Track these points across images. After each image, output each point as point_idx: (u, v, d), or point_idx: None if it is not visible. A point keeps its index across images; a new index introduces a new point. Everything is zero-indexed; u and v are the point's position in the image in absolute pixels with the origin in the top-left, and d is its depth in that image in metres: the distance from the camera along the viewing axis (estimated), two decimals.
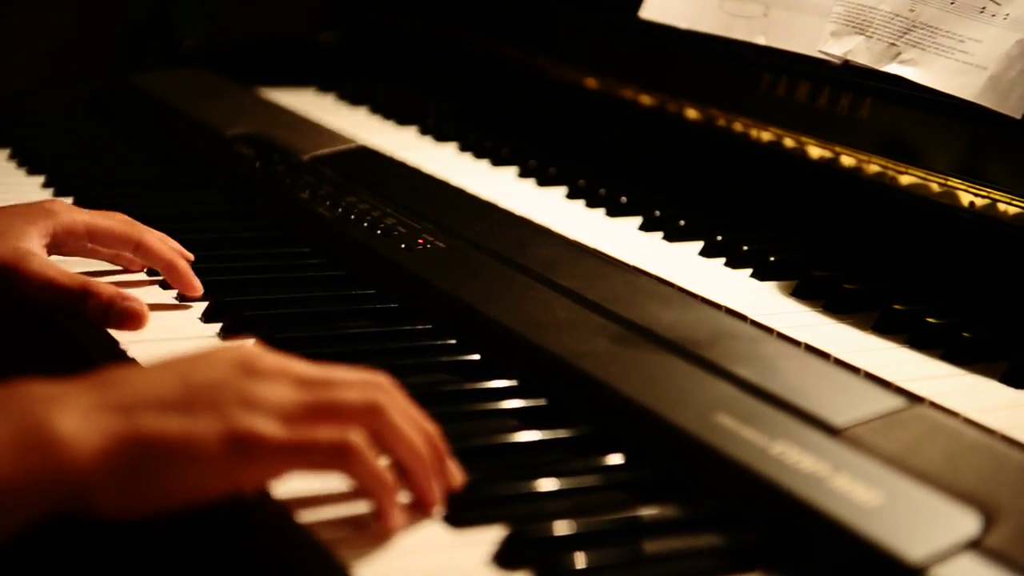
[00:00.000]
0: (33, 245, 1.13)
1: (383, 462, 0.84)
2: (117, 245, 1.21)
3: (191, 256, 1.21)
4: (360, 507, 0.84)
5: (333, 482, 0.86)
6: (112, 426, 0.78)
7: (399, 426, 0.84)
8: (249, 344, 0.88)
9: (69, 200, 1.48)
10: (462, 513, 0.84)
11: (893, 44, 1.31)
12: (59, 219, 1.17)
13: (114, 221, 1.21)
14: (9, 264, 1.10)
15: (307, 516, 0.83)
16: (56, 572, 1.11)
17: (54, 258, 1.16)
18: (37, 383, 0.80)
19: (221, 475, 0.80)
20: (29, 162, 1.63)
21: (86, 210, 1.21)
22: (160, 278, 1.22)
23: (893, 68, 1.30)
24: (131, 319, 1.09)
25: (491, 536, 0.82)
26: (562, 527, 0.81)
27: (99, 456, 0.77)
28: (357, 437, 0.82)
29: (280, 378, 0.83)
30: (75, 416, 0.78)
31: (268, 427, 0.80)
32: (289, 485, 0.86)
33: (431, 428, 0.86)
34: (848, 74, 1.35)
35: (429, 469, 0.84)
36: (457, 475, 0.86)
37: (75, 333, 1.10)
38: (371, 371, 0.87)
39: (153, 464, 0.79)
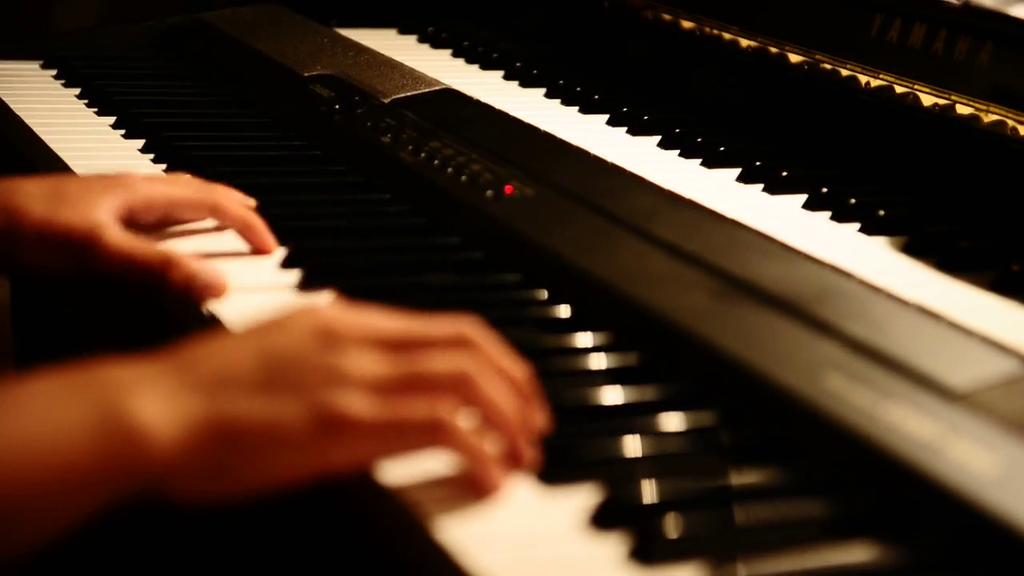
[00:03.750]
0: (108, 217, 1.12)
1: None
2: (193, 213, 1.21)
3: (254, 203, 1.21)
4: (445, 465, 0.84)
5: None
6: (194, 411, 0.79)
7: (487, 395, 0.83)
8: (326, 306, 0.88)
9: (139, 143, 1.49)
10: (553, 474, 0.83)
11: None
12: (136, 193, 1.16)
13: (189, 189, 1.20)
14: (82, 235, 1.10)
15: (390, 475, 0.83)
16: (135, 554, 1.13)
17: None
18: (114, 365, 0.80)
19: (309, 458, 0.80)
20: (99, 103, 1.64)
21: (160, 178, 1.20)
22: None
23: (1020, 10, 1.27)
24: (212, 289, 1.09)
25: (583, 497, 0.81)
26: (658, 491, 0.80)
27: (181, 443, 0.78)
28: (448, 411, 0.81)
29: (363, 345, 0.83)
30: (156, 401, 0.78)
31: (357, 406, 0.80)
32: None
33: (520, 374, 0.86)
34: (967, 16, 1.32)
35: (519, 431, 0.84)
36: (541, 419, 0.86)
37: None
38: (457, 318, 0.87)
39: (237, 450, 0.79)
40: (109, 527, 0.83)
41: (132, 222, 1.16)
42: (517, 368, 0.87)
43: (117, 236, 1.11)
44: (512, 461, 0.84)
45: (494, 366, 0.85)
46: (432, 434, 0.81)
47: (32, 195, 1.12)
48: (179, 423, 0.78)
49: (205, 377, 0.80)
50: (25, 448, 0.75)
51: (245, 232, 1.18)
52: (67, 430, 0.76)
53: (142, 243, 1.11)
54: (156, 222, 1.19)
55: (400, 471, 0.83)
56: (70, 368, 0.80)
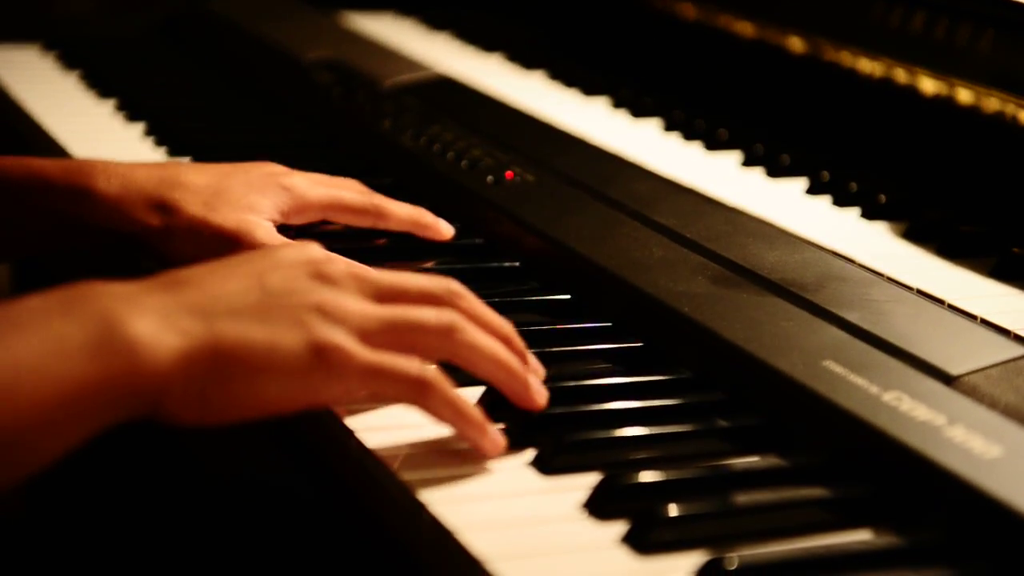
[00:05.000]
0: (262, 220, 1.11)
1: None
2: (353, 219, 1.17)
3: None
4: (446, 451, 0.85)
5: (419, 426, 0.87)
6: (192, 330, 0.79)
7: (478, 343, 0.86)
8: (314, 245, 0.90)
9: (141, 126, 1.49)
10: (552, 459, 0.84)
11: None
12: (295, 196, 1.14)
13: (352, 195, 1.17)
14: (232, 236, 1.09)
15: (371, 440, 0.85)
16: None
17: None
18: (109, 283, 0.80)
19: (300, 387, 0.82)
20: (99, 85, 1.64)
21: (321, 180, 1.18)
22: None
23: None
24: None
25: (582, 483, 0.82)
26: (656, 475, 0.81)
27: (178, 361, 0.78)
28: (435, 372, 0.83)
29: (354, 285, 0.86)
30: (152, 318, 0.79)
31: (351, 343, 0.82)
32: (371, 422, 0.87)
33: (507, 328, 0.89)
34: (969, 2, 1.33)
35: (520, 377, 0.86)
36: (540, 369, 0.89)
37: None
38: (439, 277, 0.89)
39: (233, 372, 0.80)
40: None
41: (286, 222, 1.14)
42: (503, 323, 0.89)
43: (266, 238, 1.09)
44: (523, 403, 0.86)
45: (481, 319, 0.88)
46: (417, 390, 0.83)
47: (193, 190, 1.11)
48: (176, 340, 0.79)
49: (204, 299, 0.81)
50: (23, 367, 0.75)
51: (417, 231, 1.17)
52: (66, 347, 0.76)
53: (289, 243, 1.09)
54: (311, 223, 1.17)
55: (400, 450, 0.84)
56: (62, 287, 0.79)
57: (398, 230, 1.16)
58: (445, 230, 1.17)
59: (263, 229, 1.10)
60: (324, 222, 1.17)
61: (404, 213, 1.17)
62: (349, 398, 0.85)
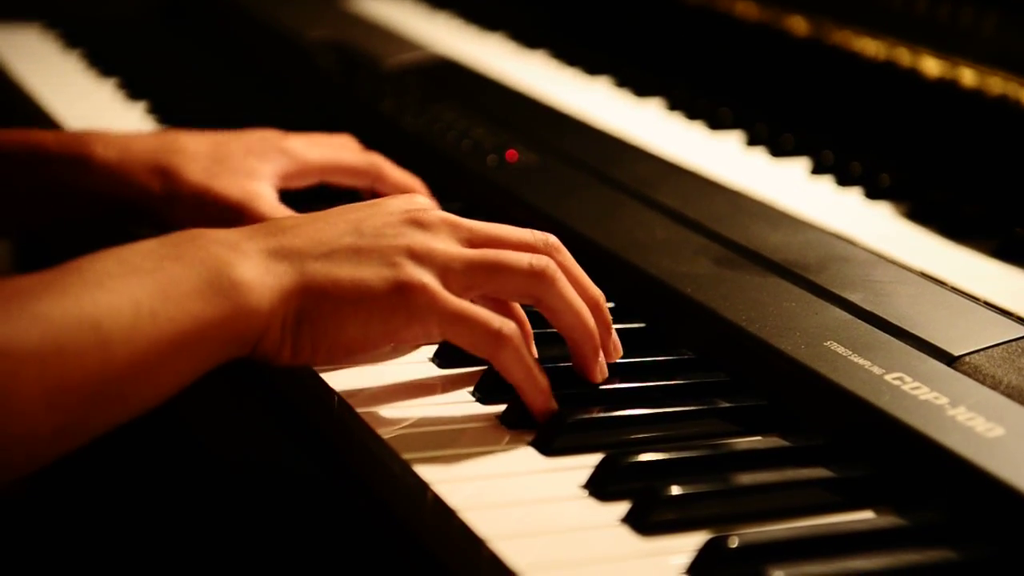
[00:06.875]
0: (263, 186, 1.12)
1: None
2: (352, 180, 1.18)
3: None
4: (446, 430, 0.85)
5: (423, 406, 0.87)
6: (286, 272, 0.83)
7: (567, 295, 0.87)
8: (417, 195, 0.94)
9: (141, 106, 1.49)
10: (554, 439, 0.84)
11: None
12: (295, 160, 1.16)
13: (351, 156, 1.19)
14: (236, 205, 1.10)
15: (390, 432, 0.85)
16: None
17: None
18: (212, 230, 0.84)
19: (382, 325, 0.84)
20: (101, 64, 1.64)
21: (320, 141, 1.19)
22: None
23: None
24: None
25: (584, 463, 0.82)
26: (658, 455, 0.81)
27: (276, 302, 0.82)
28: (515, 329, 0.85)
29: (448, 231, 0.88)
30: (254, 261, 0.83)
31: (435, 284, 0.84)
32: (375, 402, 0.87)
33: (599, 294, 0.90)
34: None
35: (595, 341, 0.88)
36: (619, 348, 0.91)
37: None
38: (541, 232, 0.90)
39: (321, 310, 0.83)
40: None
41: (286, 186, 1.16)
42: (596, 289, 0.90)
43: (269, 206, 1.11)
44: (586, 371, 0.88)
45: (576, 277, 0.89)
46: (496, 342, 0.84)
47: (192, 156, 1.12)
48: (274, 281, 0.83)
49: (298, 242, 0.85)
50: (142, 308, 0.78)
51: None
52: (180, 290, 0.79)
53: (291, 214, 1.10)
54: (311, 186, 1.18)
55: (405, 430, 0.85)
56: (172, 234, 0.84)
57: (391, 193, 1.17)
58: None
59: (265, 200, 1.11)
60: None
61: (400, 177, 1.18)
62: (427, 339, 0.87)
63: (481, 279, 0.86)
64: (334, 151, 1.18)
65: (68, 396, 0.75)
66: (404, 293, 0.84)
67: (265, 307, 0.82)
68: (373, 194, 1.16)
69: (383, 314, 0.84)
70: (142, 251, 0.81)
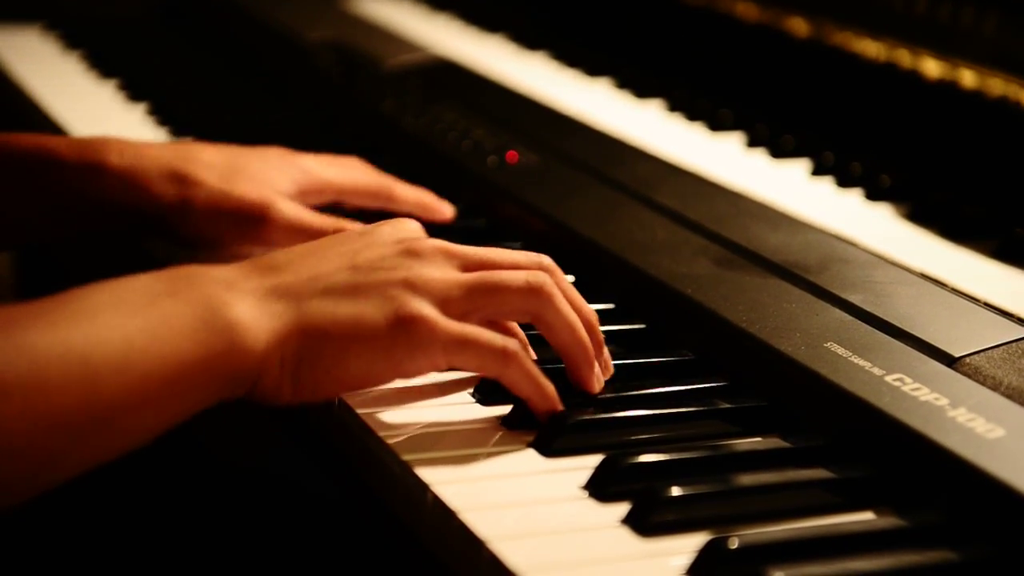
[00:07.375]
0: (281, 194, 1.12)
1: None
2: (365, 201, 1.18)
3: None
4: (446, 432, 0.85)
5: (423, 407, 0.87)
6: (283, 313, 0.82)
7: (562, 310, 0.87)
8: (409, 222, 0.93)
9: (142, 107, 1.49)
10: (554, 440, 0.84)
11: None
12: (312, 177, 1.15)
13: (364, 177, 1.18)
14: (257, 209, 1.09)
15: (384, 420, 0.85)
16: None
17: None
18: (208, 267, 0.83)
19: (386, 360, 0.84)
20: (101, 65, 1.64)
21: (333, 162, 1.19)
22: None
23: None
24: None
25: (584, 464, 0.82)
26: (658, 456, 0.81)
27: (273, 342, 0.81)
28: (518, 345, 0.85)
29: (442, 258, 0.87)
30: (249, 301, 0.82)
31: (434, 314, 0.84)
32: (375, 404, 0.87)
33: (592, 313, 0.90)
34: None
35: (591, 355, 0.88)
36: (610, 367, 0.90)
37: None
38: (534, 253, 0.90)
39: (322, 350, 0.83)
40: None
41: (302, 202, 1.14)
42: (589, 309, 0.90)
43: (290, 208, 1.10)
44: (583, 385, 0.88)
45: (570, 296, 0.89)
46: (500, 360, 0.84)
47: (208, 165, 1.11)
48: (271, 322, 0.82)
49: (295, 281, 0.84)
50: (134, 345, 0.77)
51: (420, 212, 1.17)
52: (173, 328, 0.78)
53: (315, 215, 1.11)
54: (323, 205, 1.17)
55: (403, 432, 0.85)
56: (167, 269, 0.82)
57: (405, 212, 1.16)
58: (446, 211, 1.18)
59: (287, 204, 1.10)
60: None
61: (411, 195, 1.18)
62: (434, 369, 0.87)
63: (481, 302, 0.86)
64: (348, 171, 1.18)
65: (52, 431, 0.74)
66: (405, 326, 0.83)
67: (260, 348, 0.81)
68: (380, 214, 1.15)
69: (386, 349, 0.83)
70: (136, 286, 0.80)
